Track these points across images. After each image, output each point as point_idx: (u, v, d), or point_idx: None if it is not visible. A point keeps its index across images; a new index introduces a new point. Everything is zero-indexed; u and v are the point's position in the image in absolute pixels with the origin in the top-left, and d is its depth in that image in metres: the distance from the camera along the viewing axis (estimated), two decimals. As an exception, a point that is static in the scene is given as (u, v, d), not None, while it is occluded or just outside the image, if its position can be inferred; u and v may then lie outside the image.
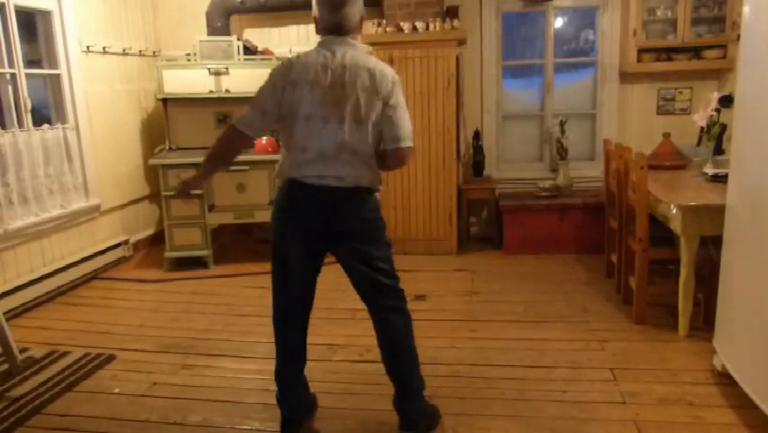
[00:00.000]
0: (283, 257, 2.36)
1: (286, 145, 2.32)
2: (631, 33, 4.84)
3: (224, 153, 2.41)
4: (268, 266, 5.23)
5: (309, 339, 3.40)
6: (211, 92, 4.96)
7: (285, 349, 2.44)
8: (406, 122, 2.28)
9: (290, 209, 2.29)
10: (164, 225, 4.80)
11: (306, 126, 2.22)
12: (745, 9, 2.52)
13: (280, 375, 2.43)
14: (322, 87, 2.21)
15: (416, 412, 2.43)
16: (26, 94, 4.09)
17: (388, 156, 2.30)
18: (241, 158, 4.70)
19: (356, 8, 2.30)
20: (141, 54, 5.35)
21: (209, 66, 4.93)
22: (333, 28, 2.28)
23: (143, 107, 5.46)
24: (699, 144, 4.36)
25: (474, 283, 4.31)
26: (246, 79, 4.97)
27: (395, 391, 2.45)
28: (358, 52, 2.29)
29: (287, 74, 2.25)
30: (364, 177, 2.27)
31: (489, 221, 5.48)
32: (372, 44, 4.80)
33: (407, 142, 2.28)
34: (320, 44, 2.30)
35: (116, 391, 2.90)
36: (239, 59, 4.99)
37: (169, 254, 4.80)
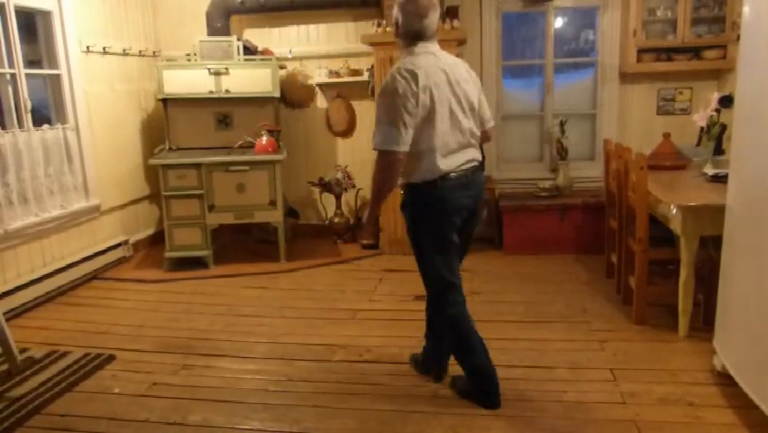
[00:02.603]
0: (445, 241, 2.61)
1: (427, 145, 2.48)
2: (631, 33, 4.85)
3: (391, 180, 2.54)
4: (268, 266, 5.27)
5: (309, 339, 3.43)
6: (211, 92, 4.96)
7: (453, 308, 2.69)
8: (487, 105, 2.75)
9: (447, 199, 2.54)
10: (164, 225, 4.80)
11: (443, 124, 2.48)
12: (745, 9, 2.52)
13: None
14: (445, 87, 2.49)
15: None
16: (26, 94, 4.09)
17: (485, 134, 2.74)
18: (241, 158, 4.75)
19: (438, 15, 2.56)
20: (141, 54, 5.35)
21: (209, 66, 4.93)
22: (419, 34, 2.52)
23: (143, 107, 5.46)
24: (699, 144, 4.36)
25: (474, 283, 4.31)
26: (246, 80, 4.97)
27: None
28: (445, 53, 2.62)
29: (416, 82, 2.43)
30: (481, 154, 2.69)
31: (489, 221, 5.48)
32: (373, 44, 4.80)
33: (491, 123, 2.76)
34: (419, 50, 2.52)
35: (116, 391, 2.90)
36: (239, 60, 4.99)
37: (169, 254, 4.80)
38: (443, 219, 2.57)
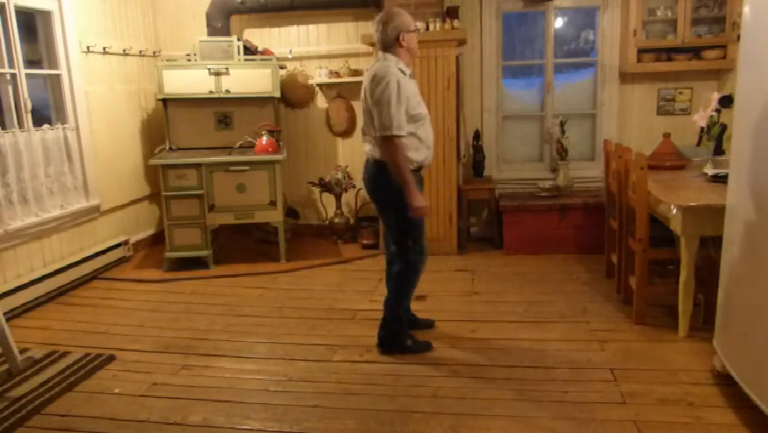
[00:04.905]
0: None
1: None
2: (631, 33, 4.85)
3: None
4: (268, 266, 5.30)
5: (309, 339, 3.43)
6: (211, 92, 4.97)
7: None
8: (384, 114, 2.86)
9: None
10: (164, 225, 4.80)
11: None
12: (745, 9, 2.52)
13: None
14: (362, 92, 3.06)
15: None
16: (26, 94, 4.10)
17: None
18: (241, 158, 4.75)
19: (387, 30, 2.97)
20: (141, 54, 5.35)
21: (209, 66, 4.93)
22: (378, 46, 3.05)
23: (143, 107, 5.46)
24: (699, 144, 4.36)
25: (474, 283, 4.31)
26: (246, 80, 4.98)
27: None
28: (381, 62, 2.97)
29: None
30: (376, 151, 2.98)
31: (489, 221, 5.48)
32: (373, 44, 4.80)
33: (380, 132, 2.88)
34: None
35: (116, 391, 2.90)
36: (239, 60, 4.99)
37: (169, 255, 4.80)
38: None
